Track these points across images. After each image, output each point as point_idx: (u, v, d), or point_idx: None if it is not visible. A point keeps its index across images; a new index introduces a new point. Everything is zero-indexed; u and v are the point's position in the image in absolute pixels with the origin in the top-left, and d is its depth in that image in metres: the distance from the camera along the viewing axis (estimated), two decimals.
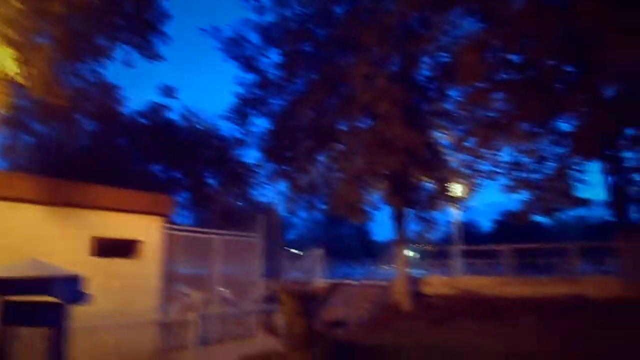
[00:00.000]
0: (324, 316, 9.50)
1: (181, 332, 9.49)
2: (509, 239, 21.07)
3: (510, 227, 28.07)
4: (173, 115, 24.63)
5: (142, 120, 23.79)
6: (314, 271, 19.86)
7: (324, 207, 20.87)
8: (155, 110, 24.09)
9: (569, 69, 14.77)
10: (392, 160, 15.13)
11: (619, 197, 15.58)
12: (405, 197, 16.88)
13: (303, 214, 23.93)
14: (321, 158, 19.11)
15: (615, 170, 15.57)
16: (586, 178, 16.17)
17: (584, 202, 16.26)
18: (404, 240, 17.74)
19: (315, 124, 18.17)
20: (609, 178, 15.67)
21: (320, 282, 19.40)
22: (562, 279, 17.95)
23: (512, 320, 12.60)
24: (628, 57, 12.08)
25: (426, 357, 8.71)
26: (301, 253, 22.72)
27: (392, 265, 17.51)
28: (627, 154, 15.57)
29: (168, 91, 24.28)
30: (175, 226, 11.07)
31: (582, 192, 16.13)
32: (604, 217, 16.49)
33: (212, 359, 8.97)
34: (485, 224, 60.71)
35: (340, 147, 17.54)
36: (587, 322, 12.04)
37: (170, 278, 10.25)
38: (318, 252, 21.02)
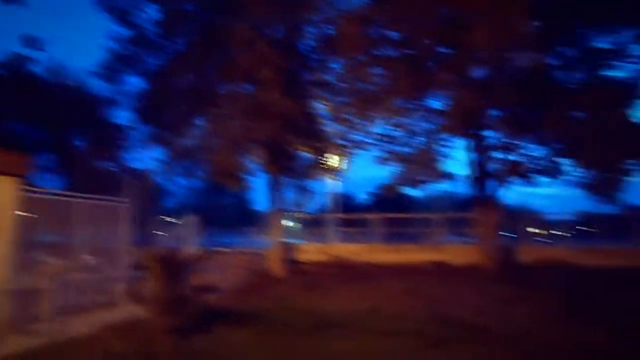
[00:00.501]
0: (194, 282, 9.28)
1: (37, 301, 8.84)
2: (383, 210, 22.19)
3: (385, 199, 29.45)
4: (38, 69, 22.59)
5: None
6: (188, 239, 19.44)
7: (202, 173, 20.44)
8: (16, 62, 21.91)
9: (442, 49, 15.55)
10: (269, 126, 15.10)
11: (479, 172, 16.78)
12: (282, 165, 16.99)
13: (181, 181, 23.28)
14: (199, 122, 18.57)
15: (478, 147, 16.71)
16: (451, 154, 17.35)
17: (448, 176, 17.42)
18: (280, 208, 17.90)
19: (194, 86, 17.57)
20: (472, 155, 16.79)
21: (193, 249, 19.05)
22: (427, 247, 19.26)
23: (379, 284, 13.28)
24: (493, 41, 12.99)
25: (294, 320, 8.89)
26: (176, 220, 22.11)
27: (269, 233, 17.62)
28: (489, 133, 16.80)
29: (32, 42, 22.11)
30: (34, 189, 10.17)
31: (448, 166, 17.28)
32: (467, 191, 17.71)
33: (70, 328, 8.45)
34: (363, 196, 63.10)
35: (219, 111, 17.14)
36: (447, 285, 13.01)
37: (26, 245, 9.44)
38: (193, 220, 20.59)
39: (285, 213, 19.10)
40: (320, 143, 17.59)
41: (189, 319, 7.91)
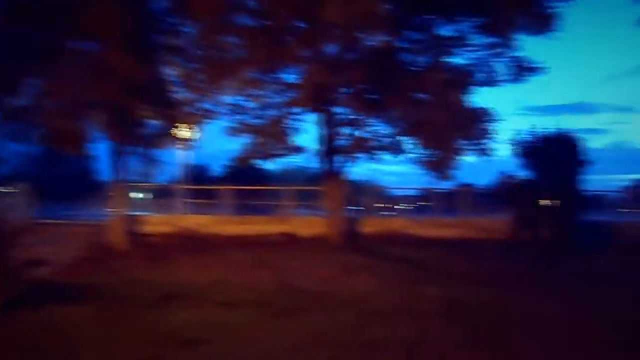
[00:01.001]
0: (22, 256, 8.42)
1: None
2: (237, 183, 21.99)
3: (239, 171, 29.18)
4: None
5: None
6: (17, 209, 17.63)
7: (38, 138, 18.50)
8: None
9: (298, 23, 15.58)
10: (111, 89, 14.02)
11: (328, 147, 17.24)
12: (126, 132, 15.93)
13: (14, 146, 20.85)
14: (35, 81, 16.72)
15: (327, 123, 17.13)
16: (303, 128, 17.62)
17: (299, 150, 17.70)
18: (125, 179, 16.86)
19: (29, 39, 15.71)
20: (322, 129, 17.17)
21: (21, 220, 17.31)
22: (277, 219, 19.48)
23: (227, 256, 13.15)
24: (344, 18, 13.27)
25: (136, 293, 8.46)
26: (6, 190, 19.91)
27: (112, 204, 16.54)
28: (338, 109, 17.28)
29: None
30: None
31: (299, 140, 17.54)
32: (316, 165, 18.14)
33: None
34: (217, 168, 61.94)
35: (58, 69, 15.55)
36: (294, 256, 13.26)
37: None
38: (25, 189, 18.74)
39: (131, 184, 18.05)
40: (170, 111, 16.81)
41: (14, 295, 7.16)
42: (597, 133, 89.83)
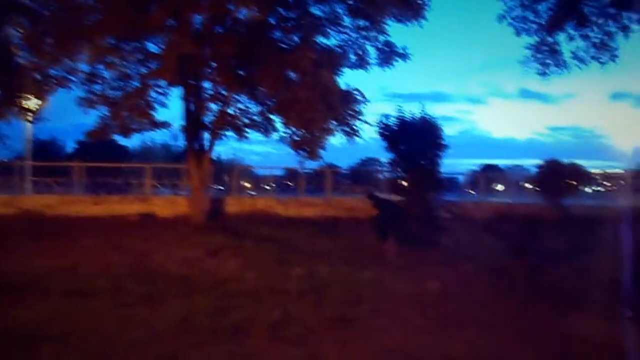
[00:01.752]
0: None
1: None
2: (91, 160, 20.25)
3: (94, 147, 27.02)
4: None
5: None
6: None
7: None
8: None
9: None
10: None
11: (193, 123, 16.46)
12: None
13: None
14: None
15: (193, 97, 16.32)
16: (166, 102, 16.65)
17: (161, 125, 16.70)
18: None
19: None
20: (187, 104, 16.33)
21: None
22: (135, 199, 18.31)
23: (77, 239, 11.96)
24: None
25: None
26: None
27: None
28: (205, 84, 16.56)
29: None
30: None
31: (161, 115, 16.56)
32: (180, 142, 17.28)
33: None
34: (71, 144, 57.24)
35: None
36: (153, 238, 12.43)
37: None
38: None
39: None
40: (13, 77, 14.97)
41: None
42: (451, 120, 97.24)
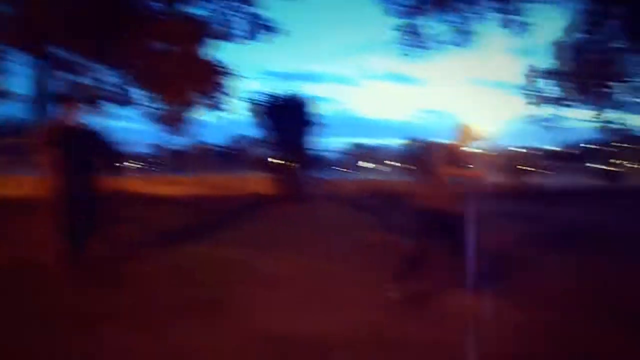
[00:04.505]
0: None
1: None
2: None
3: None
4: None
5: None
6: None
7: None
8: None
9: None
10: None
11: (43, 94, 14.83)
12: None
13: None
14: None
15: (42, 65, 14.68)
16: (9, 69, 14.90)
17: (3, 95, 14.92)
18: None
19: None
20: (35, 72, 14.66)
21: None
22: None
23: None
24: None
25: None
26: None
27: None
28: (57, 51, 14.92)
29: None
30: None
31: (3, 84, 14.79)
32: (27, 114, 15.51)
33: None
34: None
35: None
36: None
37: None
38: None
39: None
40: None
41: None
42: (326, 100, 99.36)
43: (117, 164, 25.41)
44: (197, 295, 6.08)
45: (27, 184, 15.57)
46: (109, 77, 15.62)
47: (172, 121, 15.74)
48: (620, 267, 8.01)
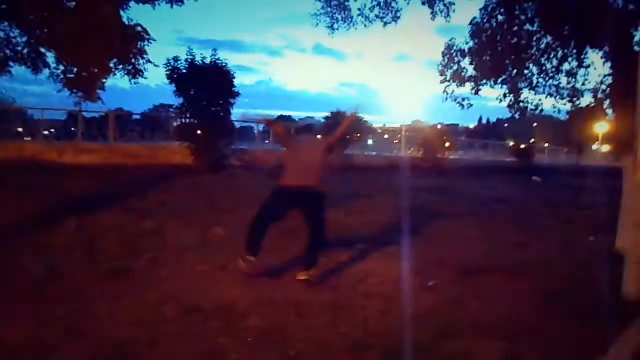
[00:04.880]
0: None
1: None
2: None
3: None
4: None
5: None
6: None
7: None
8: None
9: None
10: None
11: None
12: None
13: None
14: None
15: None
16: None
17: None
18: None
19: None
20: None
21: None
22: None
23: None
24: None
25: None
26: None
27: None
28: None
29: None
30: None
31: None
32: None
33: None
34: None
35: None
36: None
37: None
38: None
39: None
40: None
41: None
42: (248, 71, 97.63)
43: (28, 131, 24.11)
44: (107, 264, 6.03)
45: None
46: (16, 36, 14.62)
47: (82, 85, 14.90)
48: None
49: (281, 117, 45.20)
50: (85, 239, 7.18)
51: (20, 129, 24.64)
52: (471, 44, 12.03)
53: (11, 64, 14.81)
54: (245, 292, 5.26)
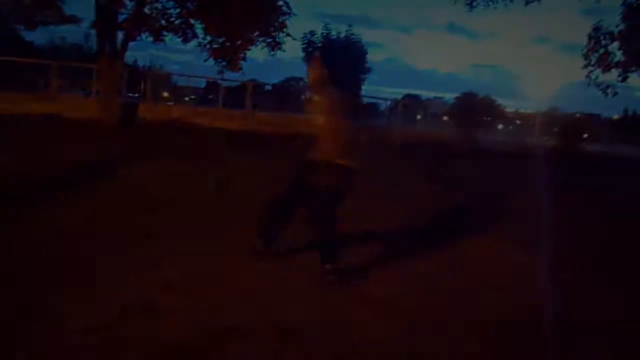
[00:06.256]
0: None
1: None
2: None
3: None
4: None
5: None
6: None
7: None
8: None
9: None
10: None
11: (107, 22, 15.23)
12: None
13: None
14: None
15: None
16: None
17: (70, 20, 15.39)
18: None
19: None
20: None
21: None
22: (40, 97, 16.98)
23: None
24: None
25: None
26: None
27: None
28: None
29: None
30: None
31: (70, 9, 15.20)
32: (92, 41, 16.02)
33: None
34: None
35: None
36: (58, 141, 11.64)
37: None
38: None
39: None
40: None
41: None
42: (378, 47, 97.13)
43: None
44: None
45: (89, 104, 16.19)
46: (169, 7, 15.84)
47: (226, 55, 15.86)
48: None
49: (409, 96, 44.62)
50: (218, 194, 7.72)
51: (165, 94, 26.69)
52: (622, 26, 11.14)
53: (165, 33, 16.08)
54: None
